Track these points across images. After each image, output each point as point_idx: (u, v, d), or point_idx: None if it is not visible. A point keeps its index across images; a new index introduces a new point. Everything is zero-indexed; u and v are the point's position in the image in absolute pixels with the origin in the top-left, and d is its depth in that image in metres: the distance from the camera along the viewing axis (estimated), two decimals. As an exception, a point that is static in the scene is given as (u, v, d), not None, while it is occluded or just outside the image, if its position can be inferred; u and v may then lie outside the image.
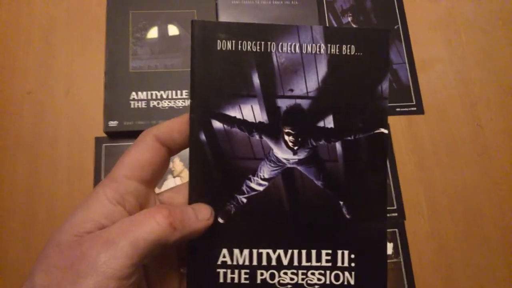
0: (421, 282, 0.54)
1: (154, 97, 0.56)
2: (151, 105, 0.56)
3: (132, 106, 0.55)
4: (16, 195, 0.52)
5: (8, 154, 0.54)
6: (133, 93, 0.56)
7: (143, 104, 0.55)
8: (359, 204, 0.28)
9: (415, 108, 0.61)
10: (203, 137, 0.27)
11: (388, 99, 0.27)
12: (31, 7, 0.59)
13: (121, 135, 0.55)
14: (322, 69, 0.27)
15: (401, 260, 0.54)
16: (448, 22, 0.65)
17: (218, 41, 0.27)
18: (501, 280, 0.55)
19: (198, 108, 0.27)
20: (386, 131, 0.27)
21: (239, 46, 0.27)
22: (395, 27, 0.64)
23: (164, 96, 0.56)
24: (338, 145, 0.27)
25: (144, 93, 0.56)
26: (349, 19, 0.64)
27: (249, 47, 0.27)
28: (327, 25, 0.63)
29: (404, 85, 0.62)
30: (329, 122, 0.27)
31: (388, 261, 0.54)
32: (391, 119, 0.60)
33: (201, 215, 0.25)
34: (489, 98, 0.62)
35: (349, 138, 0.27)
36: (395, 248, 0.55)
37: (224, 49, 0.27)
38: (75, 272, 0.20)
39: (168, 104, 0.56)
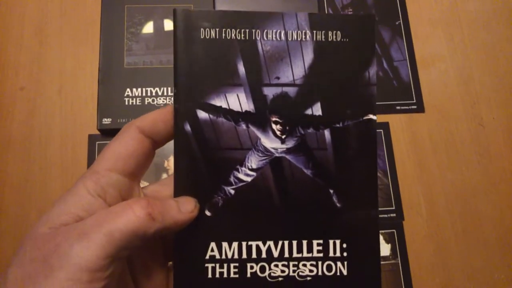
0: (419, 284, 0.53)
1: (149, 94, 0.55)
2: (146, 102, 0.55)
3: (126, 103, 0.54)
4: (8, 194, 0.52)
5: (-1, 152, 0.52)
6: (128, 89, 0.55)
7: (138, 101, 0.54)
8: (349, 192, 0.27)
9: (415, 106, 0.60)
10: (188, 127, 0.26)
11: (376, 85, 0.27)
12: (24, 2, 0.58)
13: (115, 132, 0.52)
14: (308, 56, 0.27)
15: (399, 261, 0.53)
16: (450, 19, 0.63)
17: (202, 29, 0.26)
18: (499, 281, 0.54)
19: (183, 98, 0.26)
20: (374, 117, 0.27)
21: (223, 34, 0.26)
22: (396, 22, 0.62)
23: (160, 93, 0.55)
24: (326, 133, 0.27)
25: (139, 89, 0.55)
26: (350, 14, 0.62)
27: (233, 35, 0.26)
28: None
29: (405, 83, 0.60)
30: (317, 109, 0.27)
31: (386, 262, 0.53)
32: (390, 117, 0.59)
33: (184, 208, 0.24)
34: (491, 97, 0.61)
35: (338, 125, 0.27)
36: (393, 249, 0.54)
37: (207, 37, 0.26)
38: (48, 264, 0.20)
39: (163, 101, 0.55)
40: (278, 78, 0.26)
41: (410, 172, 0.57)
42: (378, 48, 0.61)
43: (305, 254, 0.27)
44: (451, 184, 0.57)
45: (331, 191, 0.27)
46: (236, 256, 0.26)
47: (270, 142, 0.27)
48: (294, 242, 0.27)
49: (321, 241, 0.27)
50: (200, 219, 0.26)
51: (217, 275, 0.26)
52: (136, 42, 0.57)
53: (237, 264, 0.26)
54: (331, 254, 0.27)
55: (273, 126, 0.26)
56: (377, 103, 0.61)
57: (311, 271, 0.27)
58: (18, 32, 0.57)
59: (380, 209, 0.55)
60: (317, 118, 0.27)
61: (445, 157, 0.58)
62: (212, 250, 0.26)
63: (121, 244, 0.21)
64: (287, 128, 0.26)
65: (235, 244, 0.26)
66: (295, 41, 0.27)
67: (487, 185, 0.57)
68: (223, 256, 0.26)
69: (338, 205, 0.27)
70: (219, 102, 0.26)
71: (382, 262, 0.53)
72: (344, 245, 0.27)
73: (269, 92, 0.26)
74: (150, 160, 0.26)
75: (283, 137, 0.27)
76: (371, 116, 0.27)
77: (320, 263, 0.27)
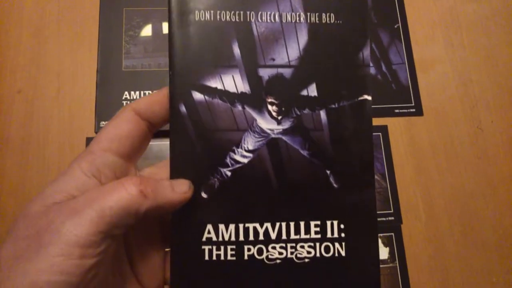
0: None
1: (147, 97, 0.54)
2: (144, 105, 0.54)
3: (124, 106, 0.53)
4: (5, 197, 0.52)
5: (-3, 154, 0.53)
6: (126, 92, 0.54)
7: (135, 104, 0.53)
8: (346, 172, 0.27)
9: (414, 110, 0.60)
10: (183, 109, 0.26)
11: (369, 66, 0.27)
12: (22, 4, 0.58)
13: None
14: (303, 38, 0.27)
15: (397, 265, 0.53)
16: (449, 22, 0.63)
17: (196, 11, 0.26)
18: (498, 285, 0.54)
19: (178, 80, 0.26)
20: (369, 98, 0.27)
21: (218, 16, 0.26)
22: (395, 26, 0.62)
23: (158, 96, 0.54)
24: (322, 114, 0.27)
25: (137, 92, 0.55)
26: (348, 17, 0.62)
27: (227, 17, 0.26)
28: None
29: (403, 86, 0.60)
30: (312, 90, 0.27)
31: (384, 266, 0.53)
32: (389, 121, 0.59)
33: (178, 188, 0.24)
34: (489, 100, 0.61)
35: (333, 106, 0.27)
36: (391, 252, 0.53)
37: (202, 19, 0.26)
38: (40, 241, 0.20)
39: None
40: (273, 59, 0.27)
41: (409, 175, 0.57)
42: (376, 51, 0.61)
43: (302, 236, 0.27)
44: (450, 187, 0.57)
45: (328, 171, 0.27)
46: (233, 239, 0.26)
47: (266, 123, 0.27)
48: (292, 224, 0.27)
49: (318, 222, 0.27)
50: (196, 201, 0.26)
51: (214, 258, 0.26)
52: (134, 45, 0.57)
53: (234, 247, 0.26)
54: (328, 235, 0.27)
55: (269, 107, 0.27)
56: (375, 106, 0.61)
57: (309, 252, 0.27)
58: (16, 35, 0.57)
59: (378, 212, 0.55)
60: (312, 99, 0.27)
61: (444, 160, 0.58)
62: (209, 232, 0.26)
63: (112, 221, 0.21)
64: (283, 109, 0.27)
65: (232, 226, 0.26)
66: (289, 23, 0.27)
67: (485, 188, 0.57)
68: (220, 239, 0.26)
69: (335, 185, 0.27)
70: (214, 83, 0.26)
71: (380, 266, 0.53)
72: (342, 226, 0.27)
73: (265, 73, 0.26)
74: (146, 143, 0.26)
75: (279, 118, 0.27)
76: (366, 97, 0.27)
77: (318, 244, 0.27)
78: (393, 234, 0.54)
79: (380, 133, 0.58)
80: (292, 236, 0.27)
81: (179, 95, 0.26)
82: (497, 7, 0.65)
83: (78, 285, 0.20)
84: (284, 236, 0.26)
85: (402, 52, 0.62)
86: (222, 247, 0.26)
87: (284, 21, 0.27)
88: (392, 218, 0.55)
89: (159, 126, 0.27)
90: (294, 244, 0.27)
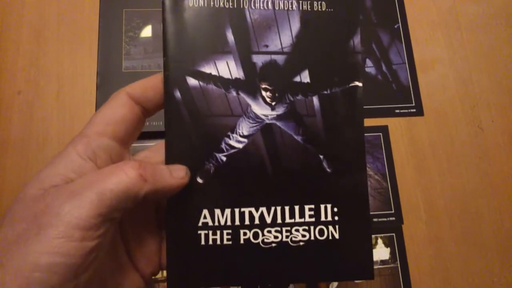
0: None
1: (147, 97, 0.54)
2: (144, 106, 0.54)
3: (124, 108, 0.53)
4: (6, 199, 0.52)
5: (-4, 155, 0.53)
6: (126, 93, 0.54)
7: (136, 105, 0.53)
8: (339, 157, 0.28)
9: (414, 110, 0.59)
10: (178, 95, 0.26)
11: (361, 53, 0.28)
12: (22, 5, 0.59)
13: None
14: (295, 25, 0.27)
15: (398, 265, 0.53)
16: (449, 22, 0.64)
17: None
18: (499, 285, 0.54)
19: (172, 65, 0.27)
20: (360, 84, 0.28)
21: (211, 2, 0.27)
22: (395, 26, 0.62)
23: (158, 97, 0.54)
24: (315, 100, 0.27)
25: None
26: (348, 18, 0.61)
27: (221, 3, 0.27)
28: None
29: (404, 86, 0.60)
30: (305, 77, 0.27)
31: (385, 266, 0.53)
32: (390, 121, 0.59)
33: (176, 173, 0.25)
34: (490, 100, 0.61)
35: (325, 92, 0.28)
36: (392, 253, 0.53)
37: (196, 5, 0.27)
38: (38, 223, 0.20)
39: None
40: (266, 46, 0.27)
41: (410, 175, 0.57)
42: (377, 52, 0.61)
43: (297, 219, 0.27)
44: (451, 188, 0.57)
45: (321, 156, 0.27)
46: (229, 223, 0.26)
47: (260, 109, 0.27)
48: (287, 208, 0.27)
49: (312, 206, 0.27)
50: (192, 186, 0.26)
51: (210, 242, 0.26)
52: (134, 46, 0.57)
53: (230, 231, 0.26)
54: (322, 218, 0.27)
55: (263, 93, 0.27)
56: (376, 106, 0.61)
57: (303, 236, 0.27)
58: (16, 36, 0.57)
59: (379, 212, 0.55)
60: (305, 85, 0.27)
61: (444, 160, 0.58)
62: (205, 217, 0.26)
63: (112, 204, 0.21)
64: (277, 95, 0.27)
65: (227, 211, 0.27)
66: (282, 10, 0.27)
67: (486, 188, 0.57)
68: (216, 223, 0.26)
69: (328, 170, 0.27)
70: (208, 69, 0.27)
71: (381, 266, 0.53)
72: (335, 209, 0.27)
73: (258, 59, 0.27)
74: (140, 127, 0.27)
75: (273, 104, 0.27)
76: (357, 83, 0.28)
77: (312, 227, 0.27)
78: (394, 234, 0.54)
79: (380, 133, 0.58)
80: (287, 220, 0.27)
81: (174, 81, 0.26)
82: (497, 7, 0.65)
83: (78, 268, 0.20)
84: (279, 220, 0.27)
85: (402, 52, 0.62)
86: (218, 232, 0.26)
87: (276, 8, 0.27)
88: (393, 218, 0.55)
89: (153, 111, 0.27)
90: (289, 228, 0.27)
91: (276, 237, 0.27)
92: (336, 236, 0.27)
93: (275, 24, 0.27)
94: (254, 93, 0.27)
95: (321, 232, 0.27)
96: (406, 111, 0.59)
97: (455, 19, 0.64)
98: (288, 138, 0.27)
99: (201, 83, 0.27)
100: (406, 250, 0.54)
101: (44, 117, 0.55)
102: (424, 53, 0.62)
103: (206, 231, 0.26)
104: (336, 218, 0.27)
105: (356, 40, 0.28)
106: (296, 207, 0.27)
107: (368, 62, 0.61)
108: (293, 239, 0.27)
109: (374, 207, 0.55)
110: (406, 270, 0.53)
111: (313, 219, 0.27)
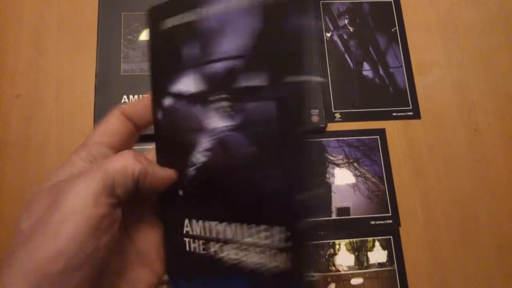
0: (415, 290, 0.53)
1: (146, 100, 0.54)
2: (143, 109, 0.54)
3: (123, 111, 0.53)
4: (5, 201, 0.52)
5: (-5, 158, 0.53)
6: (124, 96, 0.55)
7: (134, 108, 0.54)
8: (294, 171, 0.24)
9: (411, 113, 0.60)
10: (160, 115, 0.29)
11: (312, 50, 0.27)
12: (21, 9, 0.59)
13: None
14: (250, 25, 0.25)
15: (396, 268, 0.53)
16: (446, 25, 0.64)
17: (165, 21, 0.28)
18: None
19: (152, 87, 0.29)
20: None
21: (177, 22, 0.28)
22: (392, 29, 0.62)
23: (156, 100, 0.54)
24: (271, 105, 0.25)
25: (136, 96, 0.55)
26: (346, 21, 0.62)
27: (183, 20, 0.27)
28: (323, 27, 0.61)
29: (401, 89, 0.60)
30: (261, 81, 0.25)
31: (383, 269, 0.54)
32: (387, 124, 0.59)
33: (166, 169, 0.28)
34: (487, 103, 0.62)
35: (281, 94, 0.24)
36: (389, 255, 0.54)
37: (166, 28, 0.28)
38: (54, 204, 0.22)
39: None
40: (221, 53, 0.26)
41: (407, 178, 0.57)
42: (374, 55, 0.61)
43: (254, 239, 0.25)
44: (448, 190, 0.57)
45: (275, 170, 0.24)
46: (202, 234, 0.27)
47: (217, 121, 0.26)
48: (244, 226, 0.25)
49: (267, 227, 0.25)
50: (176, 198, 0.28)
51: (192, 249, 0.28)
52: (133, 49, 0.57)
53: (203, 241, 0.27)
54: (276, 242, 0.24)
55: (220, 103, 0.26)
56: (373, 109, 0.61)
57: (260, 258, 0.25)
58: (15, 39, 0.58)
59: (376, 215, 0.55)
60: (260, 89, 0.25)
61: (442, 163, 0.58)
62: (187, 226, 0.28)
63: (115, 179, 0.24)
64: (232, 104, 0.26)
65: (200, 222, 0.27)
66: (235, 12, 0.25)
67: (483, 191, 0.58)
68: (194, 233, 0.28)
69: (280, 188, 0.24)
70: (176, 88, 0.28)
71: (378, 269, 0.53)
72: (288, 233, 0.24)
73: (215, 68, 0.26)
74: (134, 139, 0.30)
75: (231, 113, 0.26)
76: (306, 78, 0.25)
77: (267, 250, 0.25)
78: (391, 237, 0.55)
79: (378, 136, 0.58)
80: (245, 239, 0.25)
81: (155, 102, 0.29)
82: (493, 11, 0.66)
83: (95, 233, 0.22)
84: (238, 238, 0.26)
85: (399, 56, 0.62)
86: (196, 241, 0.27)
87: (231, 12, 0.25)
88: (390, 221, 0.55)
89: (144, 127, 0.30)
90: (245, 247, 0.25)
91: (236, 254, 0.26)
92: (288, 265, 0.24)
93: (229, 28, 0.26)
94: (211, 105, 0.26)
95: (274, 257, 0.24)
96: (403, 114, 0.60)
97: (452, 23, 0.65)
98: (244, 150, 0.25)
99: (172, 102, 0.28)
100: (404, 253, 0.54)
101: (43, 120, 0.55)
102: (421, 56, 0.63)
103: (189, 239, 0.28)
104: (289, 244, 0.24)
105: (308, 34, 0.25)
106: (253, 226, 0.25)
107: (365, 66, 0.61)
108: (250, 260, 0.25)
109: (372, 209, 0.55)
110: (403, 272, 0.54)
111: (267, 241, 0.25)
